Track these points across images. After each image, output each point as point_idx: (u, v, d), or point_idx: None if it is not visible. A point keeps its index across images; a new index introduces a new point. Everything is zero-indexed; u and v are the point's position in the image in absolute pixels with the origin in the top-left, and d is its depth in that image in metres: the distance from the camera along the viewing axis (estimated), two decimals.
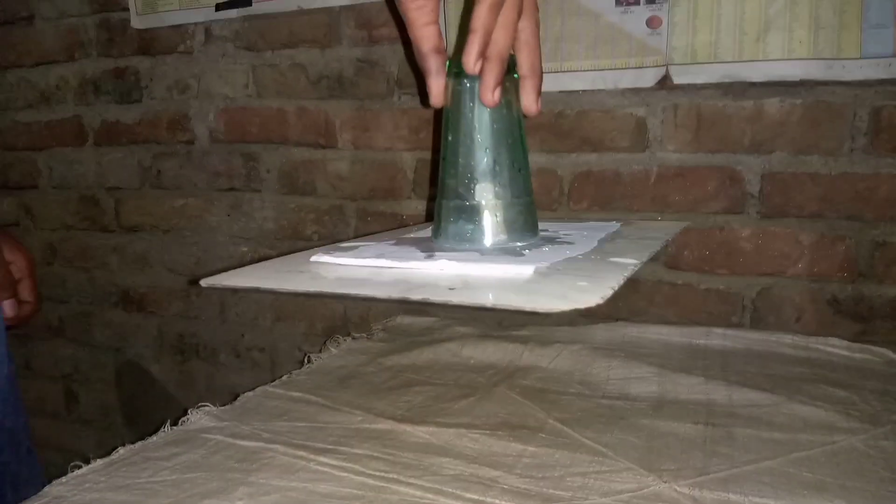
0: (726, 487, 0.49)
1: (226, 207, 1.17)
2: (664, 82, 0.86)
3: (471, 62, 0.47)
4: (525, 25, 0.50)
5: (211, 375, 1.23)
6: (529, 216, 0.56)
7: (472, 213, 0.53)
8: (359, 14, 1.03)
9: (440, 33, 0.51)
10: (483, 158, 0.53)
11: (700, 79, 0.85)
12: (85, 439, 1.39)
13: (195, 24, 1.14)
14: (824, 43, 0.80)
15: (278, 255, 1.11)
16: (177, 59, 1.17)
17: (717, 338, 0.81)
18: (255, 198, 1.15)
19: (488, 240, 0.53)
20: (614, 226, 0.66)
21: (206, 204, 1.19)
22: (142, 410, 1.32)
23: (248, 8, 1.09)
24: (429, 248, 0.54)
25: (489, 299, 0.38)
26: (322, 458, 0.53)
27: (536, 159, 0.96)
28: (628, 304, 0.94)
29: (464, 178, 0.54)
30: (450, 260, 0.48)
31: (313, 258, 0.52)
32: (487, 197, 0.53)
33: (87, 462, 0.55)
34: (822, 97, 0.82)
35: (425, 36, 0.50)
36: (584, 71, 0.90)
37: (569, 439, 0.56)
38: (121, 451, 0.56)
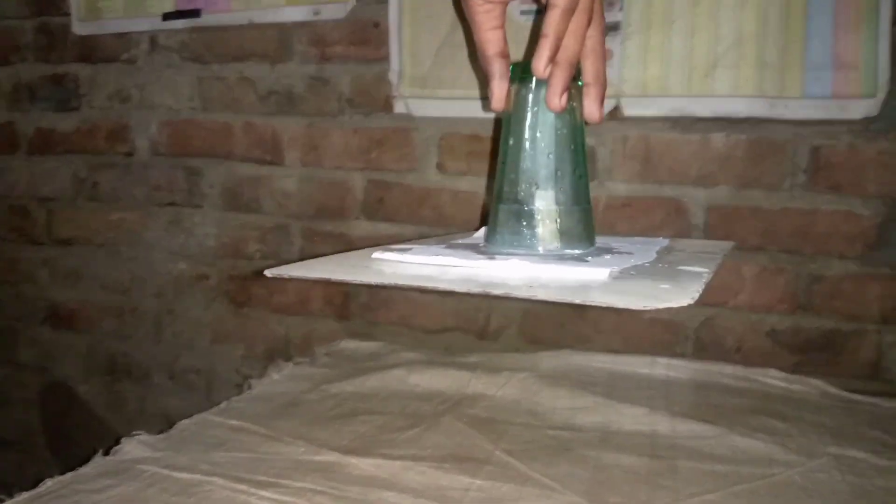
0: None
1: (164, 223, 1.13)
2: (614, 113, 0.88)
3: (541, 66, 0.48)
4: (593, 33, 0.50)
5: (143, 398, 1.18)
6: (588, 224, 0.56)
7: (532, 219, 0.53)
8: (311, 31, 1.02)
9: (505, 38, 0.52)
10: (545, 164, 0.53)
11: (650, 111, 0.86)
12: (4, 462, 1.32)
13: (140, 32, 1.11)
14: (769, 82, 0.82)
15: (218, 274, 1.09)
16: (119, 68, 1.13)
17: (661, 367, 0.82)
18: (196, 213, 1.11)
19: (547, 246, 0.53)
20: (664, 241, 0.66)
21: (143, 218, 1.14)
22: (67, 433, 1.26)
23: (197, 19, 1.06)
24: (486, 252, 0.53)
25: (580, 297, 0.38)
26: (263, 493, 0.50)
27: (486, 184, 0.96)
28: (575, 330, 0.94)
29: (524, 183, 0.53)
30: (519, 260, 0.48)
31: (374, 255, 0.52)
32: (548, 203, 0.53)
33: (10, 495, 0.51)
34: (765, 134, 0.85)
35: (491, 40, 0.51)
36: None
37: (516, 472, 0.56)
38: (48, 482, 0.53)
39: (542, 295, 0.38)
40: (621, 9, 0.86)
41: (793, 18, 0.81)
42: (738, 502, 0.51)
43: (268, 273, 0.45)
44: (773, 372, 0.79)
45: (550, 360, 0.83)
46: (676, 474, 0.56)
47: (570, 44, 0.47)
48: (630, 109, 0.87)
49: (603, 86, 0.52)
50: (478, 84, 0.93)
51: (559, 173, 0.53)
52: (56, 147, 1.19)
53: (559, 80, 0.48)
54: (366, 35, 0.99)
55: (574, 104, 0.52)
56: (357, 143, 1.02)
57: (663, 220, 0.89)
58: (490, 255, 0.51)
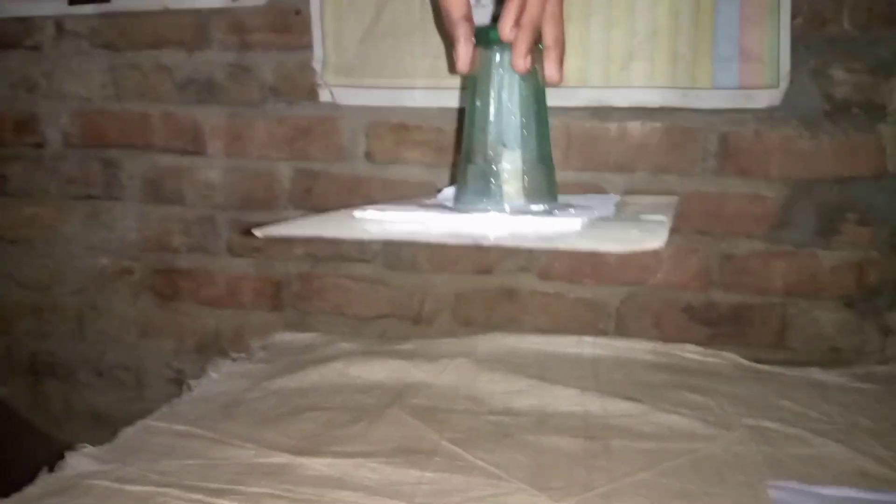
0: (609, 502, 0.53)
1: (82, 217, 1.09)
2: None
3: (507, 29, 0.51)
4: (552, 1, 0.53)
5: (68, 396, 1.15)
6: (552, 181, 0.59)
7: (499, 177, 0.55)
8: (230, 18, 0.99)
9: (469, 2, 0.54)
10: (511, 124, 0.55)
11: (570, 102, 0.90)
12: None
13: (44, 17, 1.05)
14: (681, 73, 0.87)
15: (142, 268, 1.06)
16: (23, 55, 1.07)
17: (588, 346, 0.87)
18: (115, 206, 1.08)
19: (514, 203, 0.55)
20: (615, 197, 0.72)
21: (59, 213, 1.10)
22: None
23: (107, 4, 1.02)
24: (459, 210, 0.56)
25: (565, 243, 0.44)
26: (220, 501, 0.51)
27: (417, 172, 0.97)
28: (504, 312, 0.98)
29: (492, 143, 0.56)
30: (488, 218, 0.52)
31: (356, 213, 0.54)
32: (515, 161, 0.55)
33: None
34: (678, 122, 0.90)
35: (455, 4, 0.54)
36: (461, 89, 0.93)
37: (463, 461, 0.59)
38: None
39: (529, 244, 0.42)
40: None
41: (703, 13, 0.86)
42: (667, 479, 0.56)
43: (257, 232, 0.49)
44: (690, 347, 0.85)
45: (484, 343, 0.86)
46: (610, 455, 0.60)
47: (532, 8, 0.51)
48: (551, 100, 0.90)
49: (562, 49, 0.55)
50: (405, 74, 0.93)
51: (525, 133, 0.55)
52: None
53: (523, 42, 0.51)
54: (287, 22, 0.98)
55: (536, 66, 0.55)
56: (282, 132, 1.01)
57: None
58: (464, 212, 0.55)
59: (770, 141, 0.88)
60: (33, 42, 1.06)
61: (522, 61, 0.52)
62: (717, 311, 0.93)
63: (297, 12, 0.97)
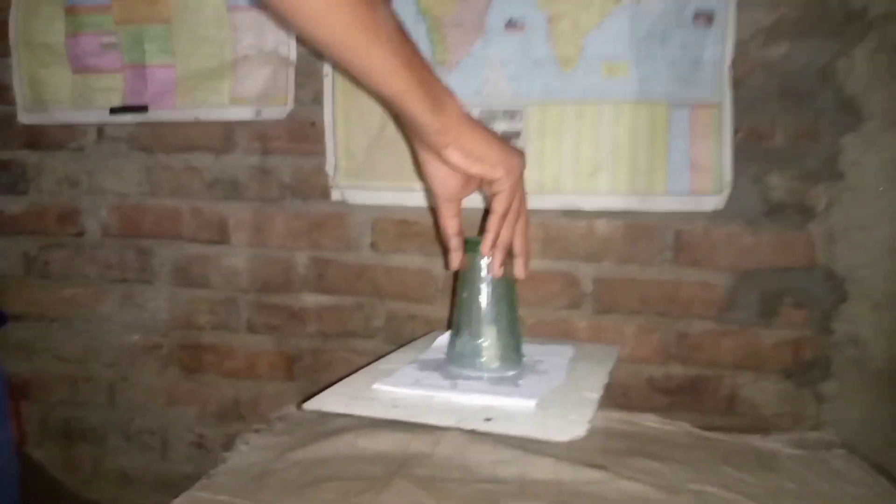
0: None
1: (117, 298, 1.23)
2: None
3: (486, 249, 0.74)
4: (520, 223, 0.75)
5: (98, 459, 1.27)
6: (517, 350, 0.80)
7: (480, 349, 0.77)
8: (254, 128, 1.15)
9: (461, 223, 0.76)
10: (489, 310, 0.78)
11: (546, 205, 1.05)
12: None
13: (87, 124, 1.20)
14: (640, 181, 1.02)
15: (170, 343, 1.19)
16: (67, 155, 1.22)
17: None
18: (147, 289, 1.22)
19: (491, 367, 0.77)
20: (570, 351, 0.90)
21: (96, 294, 1.24)
22: (23, 497, 1.33)
23: (144, 114, 1.17)
24: (448, 374, 0.77)
25: (517, 431, 0.64)
26: None
27: (416, 260, 1.12)
28: None
29: (475, 323, 0.78)
30: (471, 392, 0.71)
31: (375, 385, 0.76)
32: (492, 336, 0.77)
33: None
34: (639, 221, 1.05)
35: (451, 225, 0.75)
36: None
37: None
38: None
39: (495, 430, 0.59)
40: (521, 120, 1.04)
41: (657, 130, 1.02)
42: None
43: (306, 407, 0.73)
44: (650, 416, 0.99)
45: None
46: None
47: (504, 234, 0.72)
48: (530, 203, 1.05)
49: (527, 255, 0.76)
50: (405, 178, 1.09)
51: (498, 318, 0.77)
52: (5, 227, 1.26)
53: (498, 258, 0.73)
54: (304, 132, 1.13)
55: (508, 269, 0.76)
56: (298, 225, 1.15)
57: (560, 290, 1.08)
58: (452, 380, 0.74)
59: (717, 236, 1.04)
60: (77, 144, 1.21)
61: (498, 270, 0.75)
62: (674, 382, 1.07)
63: (313, 123, 1.12)
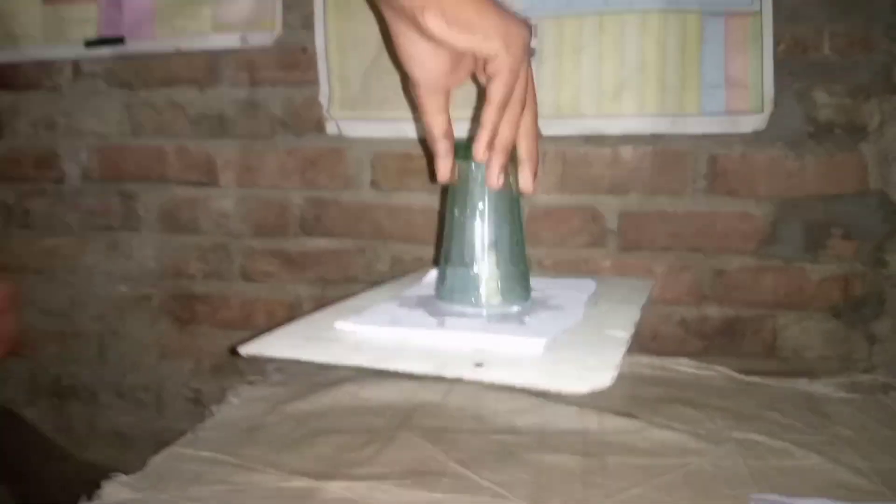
0: None
1: (102, 247, 1.15)
2: None
3: (479, 152, 0.55)
4: (526, 118, 0.56)
5: (92, 417, 1.20)
6: (524, 282, 0.63)
7: (476, 280, 0.61)
8: (240, 57, 1.04)
9: (449, 120, 0.58)
10: (486, 232, 0.61)
11: (565, 131, 0.94)
12: None
13: (62, 60, 1.10)
14: (670, 101, 0.91)
15: (160, 294, 1.11)
16: (42, 95, 1.12)
17: None
18: (133, 237, 1.13)
19: (490, 304, 0.60)
20: (590, 285, 0.73)
21: (80, 243, 1.15)
22: (17, 457, 1.27)
23: (121, 46, 1.07)
24: (436, 311, 0.61)
25: (519, 380, 0.46)
26: None
27: (421, 198, 1.02)
28: None
29: (469, 249, 0.61)
30: (463, 330, 0.55)
31: (337, 324, 0.58)
32: (490, 266, 0.61)
33: None
34: (668, 146, 0.94)
35: (436, 123, 0.57)
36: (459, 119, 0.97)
37: (469, 482, 0.63)
38: None
39: (487, 378, 0.46)
40: (535, 36, 0.93)
41: (689, 43, 0.90)
42: (659, 494, 0.60)
43: (242, 351, 0.54)
44: (684, 360, 0.90)
45: None
46: (606, 471, 0.64)
47: (504, 131, 0.54)
48: (547, 129, 0.94)
49: (535, 162, 0.58)
50: (407, 107, 0.98)
51: (499, 242, 0.60)
52: None
53: (496, 163, 0.56)
54: (294, 60, 1.03)
55: (511, 180, 0.59)
56: (292, 163, 1.06)
57: (581, 227, 0.98)
58: (440, 317, 0.59)
59: (757, 162, 0.93)
60: (52, 83, 1.12)
61: (496, 179, 0.56)
62: (710, 325, 0.97)
63: (304, 50, 1.02)
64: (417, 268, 1.03)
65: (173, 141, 1.09)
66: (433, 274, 0.74)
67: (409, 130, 0.99)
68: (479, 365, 0.47)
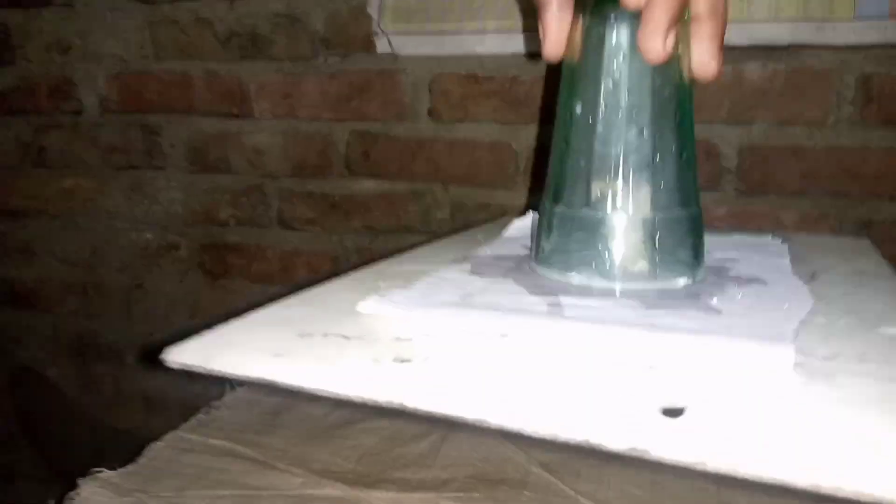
0: None
1: (124, 188, 1.01)
2: None
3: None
4: None
5: (118, 379, 1.08)
6: (698, 239, 0.39)
7: (611, 233, 0.37)
8: None
9: None
10: (635, 144, 0.36)
11: None
12: None
13: None
14: (815, 3, 0.70)
15: (189, 243, 0.96)
16: (55, 14, 0.98)
17: None
18: (158, 177, 0.99)
19: (635, 276, 0.37)
20: (777, 244, 0.51)
21: (100, 185, 1.02)
22: (42, 420, 1.16)
23: None
24: (539, 286, 0.38)
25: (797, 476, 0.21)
26: None
27: (490, 130, 0.84)
28: None
29: (600, 174, 0.37)
30: (603, 323, 0.32)
31: (361, 307, 0.36)
32: (640, 206, 0.37)
33: None
34: (808, 63, 0.73)
35: None
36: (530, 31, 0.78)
37: (561, 496, 0.47)
38: None
39: (713, 465, 0.22)
40: None
41: None
42: None
43: (164, 358, 0.33)
44: None
45: None
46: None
47: None
48: None
49: (723, 20, 0.36)
50: (473, 14, 0.80)
51: (657, 159, 0.37)
52: None
53: (662, 10, 0.32)
54: None
55: (680, 53, 0.36)
56: (336, 90, 0.89)
57: None
58: (548, 296, 0.36)
59: None
60: None
61: (661, 43, 0.32)
62: None
63: None
64: (484, 217, 0.86)
65: (200, 65, 0.93)
66: (521, 224, 0.54)
67: (476, 45, 0.81)
68: (672, 412, 0.24)
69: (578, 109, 0.38)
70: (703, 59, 0.36)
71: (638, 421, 0.24)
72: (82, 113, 1.00)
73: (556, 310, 0.35)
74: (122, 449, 0.55)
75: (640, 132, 0.37)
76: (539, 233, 0.42)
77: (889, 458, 0.21)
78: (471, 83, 0.83)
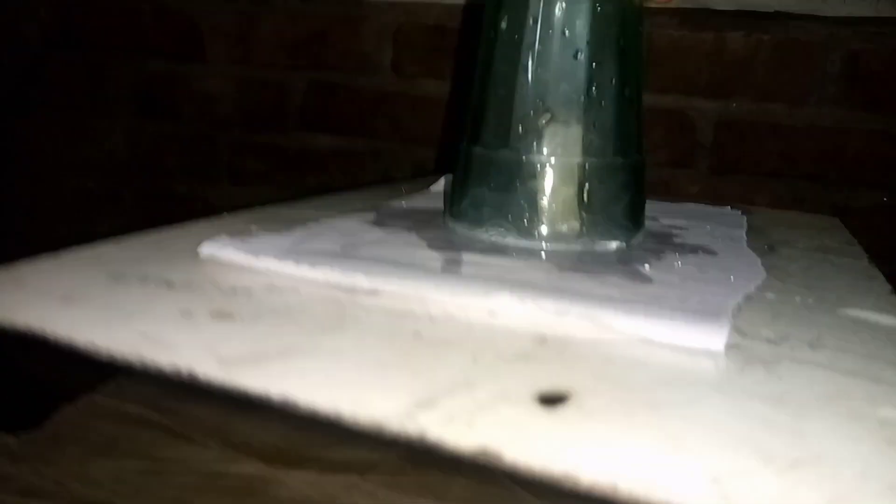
0: None
1: (66, 131, 0.94)
2: None
3: None
4: None
5: None
6: (638, 192, 0.34)
7: (537, 180, 0.32)
8: None
9: None
10: (569, 71, 0.31)
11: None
12: None
13: None
14: None
15: (133, 193, 0.91)
16: None
17: None
18: (102, 120, 0.92)
19: (562, 232, 0.32)
20: (735, 215, 0.47)
21: (40, 126, 0.95)
22: None
23: None
24: (446, 240, 0.33)
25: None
26: None
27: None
28: None
29: (522, 107, 0.32)
30: (501, 283, 0.27)
31: (204, 249, 0.32)
32: (571, 148, 0.31)
33: None
34: (793, 34, 0.69)
35: None
36: None
37: (496, 485, 0.43)
38: None
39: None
40: None
41: None
42: None
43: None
44: None
45: None
46: None
47: None
48: None
49: None
50: None
51: (593, 91, 0.31)
52: None
53: None
54: None
55: None
56: (294, 34, 0.83)
57: (664, 138, 0.75)
58: (450, 252, 0.31)
59: None
60: None
61: None
62: None
63: None
64: None
65: None
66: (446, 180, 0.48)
67: None
68: (551, 400, 0.20)
69: (504, 24, 0.32)
70: None
71: (477, 407, 0.19)
72: (23, 46, 0.92)
73: (451, 267, 0.30)
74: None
75: (574, 55, 0.31)
76: (454, 181, 0.37)
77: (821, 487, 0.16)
78: (438, 36, 0.78)
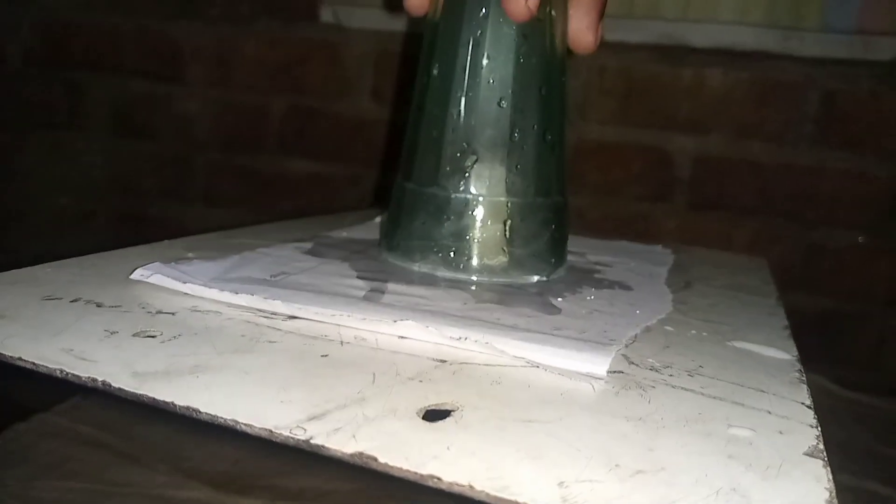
0: None
1: (42, 148, 0.93)
2: None
3: None
4: None
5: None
6: (559, 230, 0.36)
7: (464, 216, 0.34)
8: None
9: None
10: (494, 117, 0.33)
11: (635, 37, 0.70)
12: None
13: None
14: (782, 8, 0.67)
15: (107, 212, 0.89)
16: None
17: None
18: (79, 138, 0.91)
19: (487, 265, 0.34)
20: (665, 254, 0.48)
21: (17, 143, 0.94)
22: None
23: None
24: (376, 271, 0.34)
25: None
26: None
27: None
28: None
29: (451, 148, 0.34)
30: (415, 311, 0.28)
31: (136, 273, 0.32)
32: (495, 187, 0.33)
33: None
34: (772, 73, 0.70)
35: None
36: None
37: None
38: None
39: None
40: None
41: None
42: None
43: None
44: None
45: None
46: None
47: None
48: (611, 33, 0.70)
49: None
50: None
51: (517, 135, 0.33)
52: None
53: None
54: None
55: (553, 12, 0.33)
56: (274, 58, 0.83)
57: (642, 172, 0.74)
58: (376, 281, 0.32)
59: (889, 104, 0.68)
60: None
61: (522, 3, 0.30)
62: (799, 318, 0.73)
63: None
64: None
65: (132, 20, 0.86)
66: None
67: None
68: (431, 415, 0.21)
69: (436, 72, 0.34)
70: (579, 28, 0.34)
71: (365, 420, 0.20)
72: (4, 63, 0.92)
73: (373, 296, 0.31)
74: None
75: (499, 103, 0.33)
76: (389, 214, 0.38)
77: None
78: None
